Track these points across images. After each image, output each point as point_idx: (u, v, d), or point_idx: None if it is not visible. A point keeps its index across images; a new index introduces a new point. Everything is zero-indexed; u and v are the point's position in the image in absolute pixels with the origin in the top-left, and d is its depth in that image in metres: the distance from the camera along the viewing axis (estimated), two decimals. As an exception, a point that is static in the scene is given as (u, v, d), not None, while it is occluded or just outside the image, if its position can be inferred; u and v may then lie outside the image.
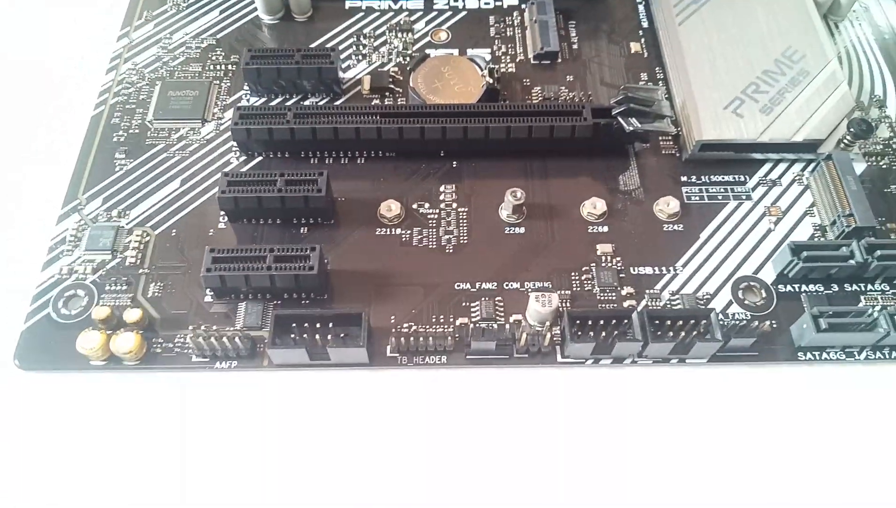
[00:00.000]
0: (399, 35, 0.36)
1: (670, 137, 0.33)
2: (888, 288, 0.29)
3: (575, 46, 0.36)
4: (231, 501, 0.25)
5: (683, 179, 0.32)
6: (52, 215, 0.31)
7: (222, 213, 0.30)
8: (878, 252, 0.28)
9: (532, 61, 0.36)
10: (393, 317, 0.28)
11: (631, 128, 0.30)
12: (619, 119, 0.31)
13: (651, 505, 0.25)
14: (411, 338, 0.27)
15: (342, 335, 0.26)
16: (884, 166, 0.32)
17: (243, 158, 0.32)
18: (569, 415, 0.26)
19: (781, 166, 0.32)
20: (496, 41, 0.36)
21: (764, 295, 0.29)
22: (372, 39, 0.36)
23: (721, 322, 0.27)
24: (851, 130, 0.31)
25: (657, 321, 0.26)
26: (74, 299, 0.28)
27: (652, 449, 0.26)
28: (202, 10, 0.37)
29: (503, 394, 0.27)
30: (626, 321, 0.26)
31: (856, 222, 0.29)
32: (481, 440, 0.26)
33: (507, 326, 0.27)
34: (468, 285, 0.29)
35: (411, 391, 0.27)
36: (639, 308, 0.28)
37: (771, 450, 0.26)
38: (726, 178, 0.32)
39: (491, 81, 0.33)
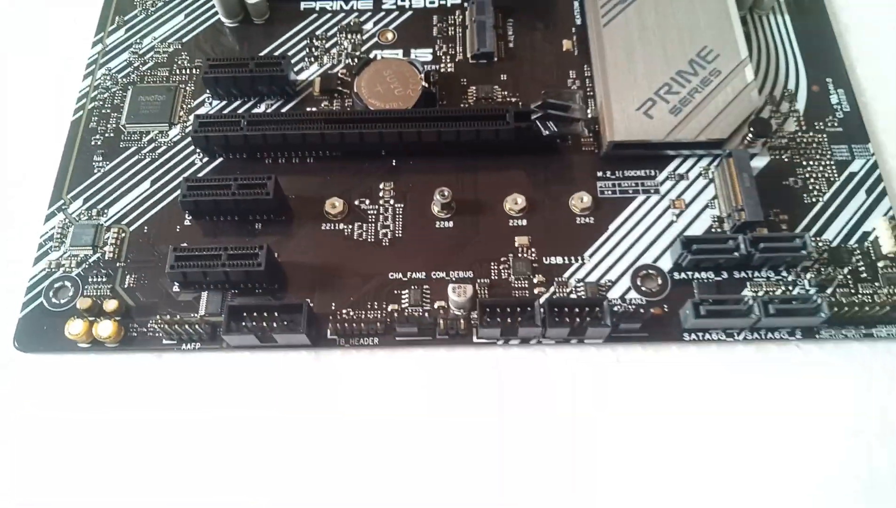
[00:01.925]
0: (349, 36, 0.40)
1: (591, 136, 0.36)
2: (773, 275, 0.33)
3: (511, 45, 0.39)
4: (196, 458, 0.30)
5: (599, 174, 0.35)
6: (40, 213, 0.35)
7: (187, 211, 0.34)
8: (762, 245, 0.32)
9: (470, 61, 0.39)
10: (333, 304, 0.32)
11: (547, 132, 0.34)
12: (538, 123, 0.34)
13: (541, 467, 0.30)
14: (348, 323, 0.31)
15: (286, 322, 0.31)
16: (786, 160, 0.36)
17: (206, 159, 0.36)
18: (481, 389, 0.31)
19: (690, 161, 0.35)
20: (438, 41, 0.39)
21: (660, 282, 0.33)
22: (324, 41, 0.39)
23: (618, 308, 0.32)
24: (752, 129, 0.34)
25: (556, 309, 0.30)
26: (62, 290, 0.33)
27: (546, 419, 0.30)
28: (169, 15, 0.41)
29: (426, 371, 0.31)
30: (529, 308, 0.31)
31: (745, 216, 0.33)
32: (407, 410, 0.31)
33: (430, 312, 0.32)
34: (400, 275, 0.33)
35: (348, 368, 0.32)
36: (544, 297, 0.32)
37: (654, 421, 0.30)
38: (638, 173, 0.35)
39: (427, 84, 0.36)
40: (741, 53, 0.36)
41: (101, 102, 0.38)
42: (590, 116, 0.37)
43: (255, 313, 0.31)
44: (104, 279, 0.33)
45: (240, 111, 0.37)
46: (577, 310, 0.31)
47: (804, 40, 0.39)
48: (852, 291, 0.32)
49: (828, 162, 0.35)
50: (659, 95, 0.35)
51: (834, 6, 0.41)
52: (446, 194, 0.34)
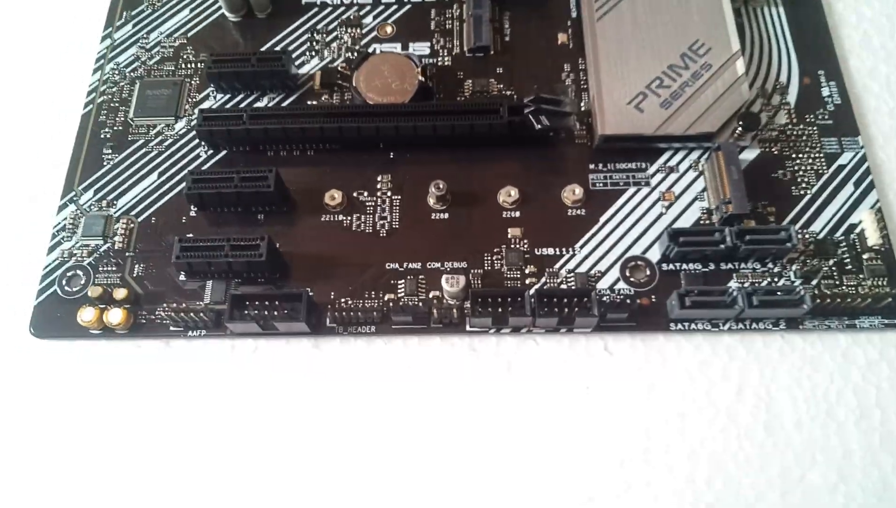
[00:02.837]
0: (349, 30, 0.40)
1: (583, 128, 0.37)
2: (759, 266, 0.33)
3: (507, 39, 0.40)
4: (201, 440, 0.31)
5: (591, 166, 0.36)
6: (52, 204, 0.36)
7: (192, 203, 0.36)
8: (747, 237, 0.32)
9: (467, 54, 0.39)
10: (333, 293, 0.34)
11: (539, 126, 0.35)
12: (530, 117, 0.35)
13: (532, 452, 0.31)
14: (347, 311, 0.33)
15: (287, 310, 0.32)
16: (775, 153, 0.36)
17: (210, 151, 0.37)
18: (473, 376, 0.32)
19: (681, 154, 0.36)
20: (436, 35, 0.40)
21: (648, 273, 0.34)
22: (324, 35, 0.40)
23: (606, 298, 0.33)
24: (741, 123, 0.35)
25: (545, 299, 0.32)
26: (75, 278, 0.34)
27: (536, 405, 0.32)
28: (174, 10, 0.42)
29: (421, 357, 0.33)
30: (519, 298, 0.32)
31: (732, 209, 0.33)
32: (402, 395, 0.32)
33: (425, 302, 0.33)
34: (397, 265, 0.34)
35: (346, 355, 0.33)
36: (534, 288, 0.33)
37: (641, 407, 0.32)
38: (630, 165, 0.36)
39: (423, 79, 0.37)
40: (732, 47, 0.37)
41: (109, 96, 0.39)
42: (583, 108, 0.37)
43: (257, 302, 0.32)
44: (114, 268, 0.34)
45: (243, 105, 0.38)
46: (566, 300, 0.32)
47: (798, 33, 0.40)
48: (837, 282, 0.33)
49: (817, 155, 0.36)
50: (650, 89, 0.36)
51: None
52: (441, 186, 0.35)
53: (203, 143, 0.37)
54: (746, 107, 0.36)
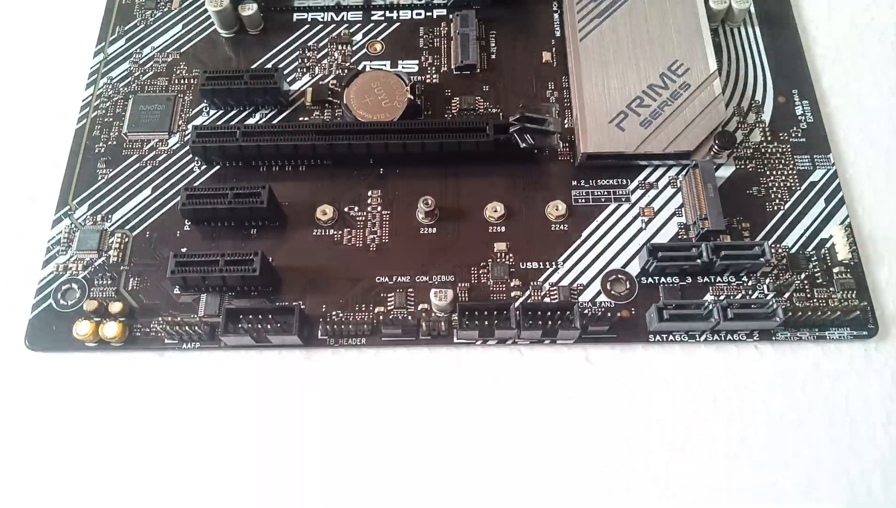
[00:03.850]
0: (339, 47, 0.41)
1: (567, 146, 0.38)
2: (734, 280, 0.35)
3: (493, 57, 0.41)
4: (195, 451, 0.32)
5: (574, 183, 0.37)
6: (47, 218, 0.37)
7: (186, 218, 0.37)
8: (723, 253, 0.34)
9: (454, 72, 0.41)
10: (324, 306, 0.35)
11: (524, 144, 0.36)
12: (515, 136, 0.36)
13: (519, 459, 0.32)
14: (338, 324, 0.34)
15: (280, 324, 0.33)
16: (750, 170, 0.38)
17: (204, 166, 0.38)
18: (461, 386, 0.33)
19: (660, 170, 0.38)
20: (424, 52, 0.41)
21: (628, 286, 0.35)
22: (315, 52, 0.41)
23: (587, 311, 0.34)
24: (717, 141, 0.36)
25: (530, 312, 0.33)
26: (70, 292, 0.35)
27: (521, 414, 0.33)
28: (167, 25, 0.42)
29: (410, 368, 0.34)
30: (505, 311, 0.33)
31: (709, 225, 0.35)
32: (392, 406, 0.33)
33: (414, 314, 0.34)
34: (386, 279, 0.35)
35: (337, 366, 0.34)
36: (519, 301, 0.34)
37: (622, 416, 0.33)
38: (611, 181, 0.37)
39: (412, 97, 0.38)
40: (710, 67, 0.38)
41: (103, 111, 0.40)
42: (566, 126, 0.39)
43: (250, 316, 0.33)
44: (109, 282, 0.35)
45: (235, 121, 0.39)
46: (549, 313, 0.33)
47: (773, 52, 0.41)
48: (808, 295, 0.34)
49: (790, 172, 0.38)
50: (631, 108, 0.37)
51: (803, 19, 0.43)
52: (430, 202, 0.36)
53: (197, 158, 0.38)
54: (723, 126, 0.37)
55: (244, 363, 0.34)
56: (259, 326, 0.33)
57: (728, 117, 0.38)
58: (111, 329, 0.33)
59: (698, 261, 0.34)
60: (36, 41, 0.43)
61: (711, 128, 0.37)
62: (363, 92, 0.39)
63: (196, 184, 0.37)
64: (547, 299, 0.34)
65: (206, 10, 0.42)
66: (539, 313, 0.33)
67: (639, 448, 0.32)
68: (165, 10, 0.43)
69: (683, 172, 0.37)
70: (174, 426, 0.33)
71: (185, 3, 0.43)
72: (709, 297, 0.34)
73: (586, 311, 0.34)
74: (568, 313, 0.33)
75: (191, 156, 0.38)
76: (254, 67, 0.41)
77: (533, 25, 0.42)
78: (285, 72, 0.41)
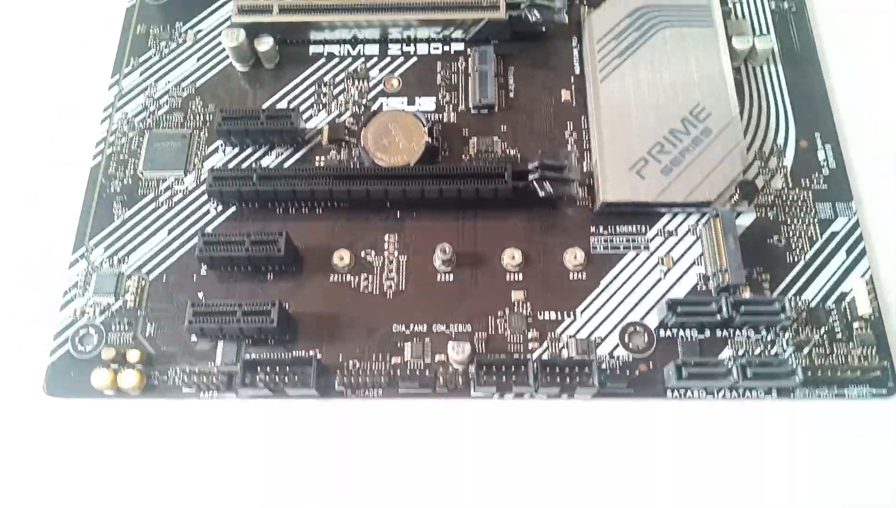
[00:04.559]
0: (356, 83, 0.41)
1: (586, 189, 0.38)
2: (753, 334, 0.35)
3: (511, 94, 0.40)
4: (211, 501, 0.33)
5: (593, 229, 0.37)
6: (64, 259, 0.37)
7: (203, 262, 0.37)
8: (743, 308, 0.34)
9: (472, 111, 0.40)
10: (340, 355, 0.35)
11: (543, 193, 0.35)
12: (534, 184, 0.36)
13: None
14: (354, 375, 0.34)
15: (297, 377, 0.33)
16: (771, 218, 0.37)
17: (220, 207, 0.38)
18: (477, 439, 0.33)
19: (680, 217, 0.37)
20: (441, 89, 0.41)
21: (646, 339, 0.35)
22: (332, 88, 0.41)
23: (605, 365, 0.34)
24: (738, 190, 0.36)
25: (547, 368, 0.33)
26: (87, 337, 0.35)
27: (537, 469, 0.33)
28: (182, 58, 0.42)
29: (426, 421, 0.34)
30: (523, 367, 0.33)
31: (729, 279, 0.34)
32: (408, 458, 0.33)
33: (431, 366, 0.34)
34: (403, 328, 0.35)
35: (354, 418, 0.34)
36: (537, 352, 0.34)
37: (637, 474, 0.33)
38: (630, 228, 0.37)
39: (430, 139, 0.38)
40: (732, 112, 0.38)
41: (119, 148, 0.39)
42: (585, 169, 0.38)
43: (268, 368, 0.33)
44: (126, 328, 0.35)
45: (251, 159, 0.39)
46: (567, 369, 0.33)
47: (796, 92, 0.40)
48: (827, 351, 0.34)
49: (811, 220, 0.37)
50: (651, 155, 0.37)
51: (826, 58, 0.42)
52: (447, 250, 0.36)
53: (213, 200, 0.38)
54: (744, 172, 0.37)
55: (261, 413, 0.34)
56: (276, 378, 0.33)
57: (749, 163, 0.38)
58: (129, 379, 0.33)
59: (717, 317, 0.34)
60: (51, 73, 0.43)
61: (733, 176, 0.36)
62: (380, 133, 0.38)
63: (213, 227, 0.37)
64: (565, 351, 0.34)
65: (220, 43, 0.41)
66: (557, 369, 0.33)
67: (656, 503, 0.32)
68: (180, 41, 0.42)
69: (704, 220, 0.37)
70: (191, 473, 0.33)
71: (200, 35, 0.42)
72: (727, 352, 0.34)
73: (603, 365, 0.34)
74: (586, 369, 0.33)
75: (207, 196, 0.38)
76: (270, 103, 0.40)
77: (552, 60, 0.42)
78: (301, 108, 0.40)
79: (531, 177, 0.36)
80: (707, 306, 0.34)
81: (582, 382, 0.33)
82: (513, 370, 0.33)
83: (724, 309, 0.33)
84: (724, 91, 0.38)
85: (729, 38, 0.40)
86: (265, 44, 0.40)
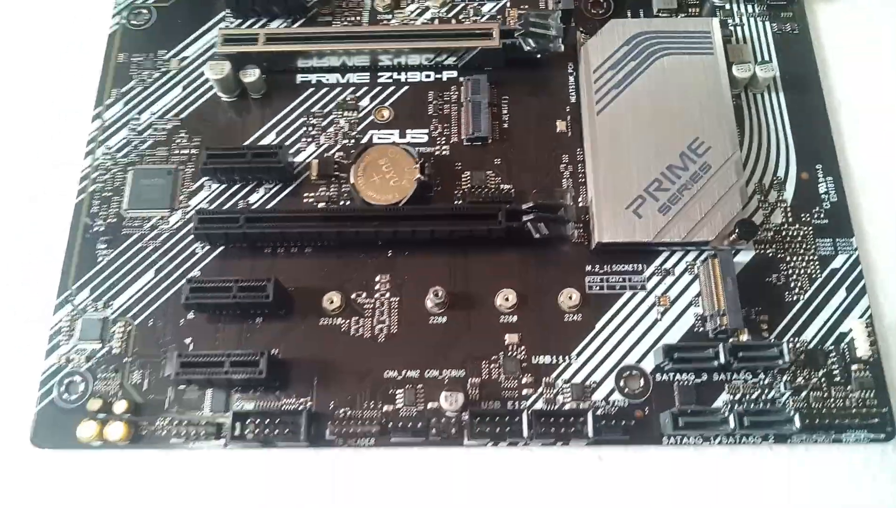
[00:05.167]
0: (345, 114, 0.40)
1: (581, 225, 0.37)
2: (750, 377, 0.34)
3: (506, 125, 0.39)
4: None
5: (588, 268, 0.36)
6: (49, 302, 0.36)
7: (190, 305, 0.36)
8: (740, 354, 0.33)
9: (465, 143, 0.39)
10: (332, 402, 0.34)
11: (538, 235, 0.35)
12: (529, 225, 0.35)
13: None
14: (346, 424, 0.33)
15: (287, 430, 0.32)
16: (770, 255, 0.36)
17: (207, 246, 0.37)
18: (471, 488, 0.33)
19: (677, 254, 0.36)
20: (434, 120, 0.40)
21: (642, 384, 0.34)
22: (321, 119, 0.40)
23: (601, 410, 0.33)
24: (737, 230, 0.35)
25: (542, 419, 0.32)
26: (73, 385, 0.35)
27: (532, 520, 0.33)
28: (166, 87, 0.41)
29: (419, 469, 0.33)
30: (516, 418, 0.32)
31: (727, 323, 0.34)
32: (400, 506, 0.33)
33: (423, 413, 0.33)
34: (395, 373, 0.34)
35: (346, 467, 0.33)
36: (530, 401, 0.34)
37: (631, 517, 0.33)
38: (626, 267, 0.36)
39: (422, 176, 0.37)
40: (732, 147, 0.37)
41: (102, 184, 0.38)
42: (581, 204, 0.37)
43: (258, 420, 0.32)
44: (113, 375, 0.35)
45: (240, 195, 0.38)
46: (562, 419, 0.32)
47: (797, 120, 0.39)
48: (826, 394, 0.34)
49: (811, 257, 0.36)
50: (648, 193, 0.36)
51: (830, 82, 0.41)
52: (440, 294, 0.35)
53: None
54: (743, 207, 0.36)
55: (251, 463, 0.34)
56: (266, 431, 0.32)
57: (749, 197, 0.37)
58: (116, 431, 0.33)
59: (715, 362, 0.33)
60: (32, 105, 0.41)
61: (732, 215, 0.35)
62: (371, 169, 0.37)
63: (200, 269, 0.36)
64: (560, 397, 0.34)
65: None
66: (552, 419, 0.32)
67: (650, 552, 0.32)
68: (163, 70, 0.41)
69: (701, 258, 0.36)
70: (182, 526, 0.33)
71: (184, 63, 0.41)
72: (724, 396, 0.34)
73: (599, 412, 0.33)
74: (581, 419, 0.32)
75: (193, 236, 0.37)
76: (257, 135, 0.39)
77: (547, 88, 0.40)
78: (290, 140, 0.39)
79: (525, 218, 0.35)
80: (704, 351, 0.33)
81: (577, 432, 0.32)
82: (507, 420, 0.32)
83: (722, 355, 0.33)
84: (724, 124, 0.37)
85: (729, 66, 0.39)
86: (251, 75, 0.39)
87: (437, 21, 0.42)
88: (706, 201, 0.36)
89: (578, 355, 0.35)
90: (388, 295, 0.36)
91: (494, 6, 0.42)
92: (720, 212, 0.35)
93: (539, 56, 0.40)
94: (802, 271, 0.36)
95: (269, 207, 0.38)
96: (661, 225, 0.35)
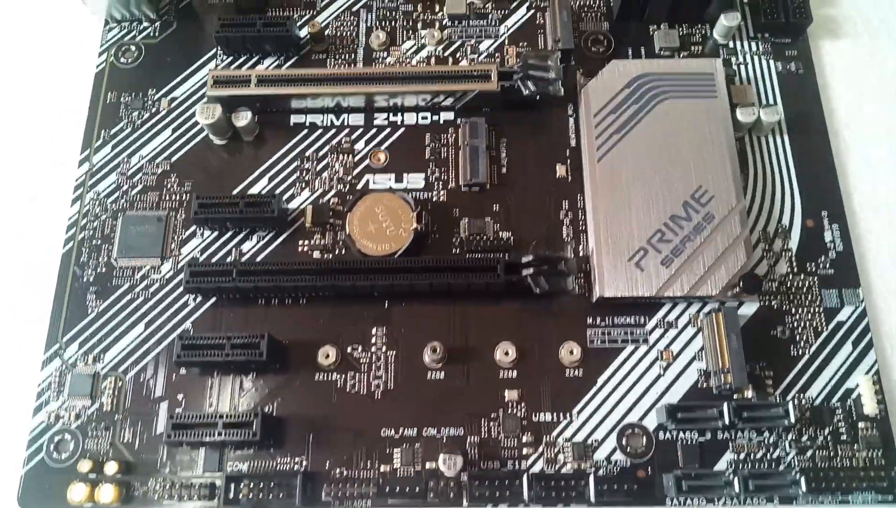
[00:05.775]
0: (340, 157, 0.39)
1: (581, 275, 0.36)
2: (755, 435, 0.33)
3: (504, 170, 0.38)
4: None
5: (589, 320, 0.35)
6: (37, 356, 0.35)
7: (182, 360, 0.35)
8: (745, 414, 0.32)
9: (462, 189, 0.38)
10: (328, 462, 0.33)
11: (538, 289, 0.34)
12: (529, 280, 0.34)
13: None
14: (342, 485, 0.32)
15: (282, 493, 0.32)
16: (775, 307, 0.36)
17: (199, 298, 0.36)
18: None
19: (680, 306, 0.36)
20: (430, 164, 0.39)
21: (644, 442, 0.33)
22: (315, 163, 0.39)
23: (602, 471, 0.33)
24: (742, 284, 0.34)
25: (542, 482, 0.31)
26: (63, 443, 0.34)
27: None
28: (155, 129, 0.39)
29: (417, 531, 0.33)
30: (517, 480, 0.32)
31: (731, 381, 0.33)
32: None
33: (421, 473, 0.33)
34: (392, 432, 0.34)
35: (342, 529, 0.33)
36: (530, 461, 0.33)
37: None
38: (628, 320, 0.35)
39: (418, 226, 0.36)
40: (734, 199, 0.36)
41: (91, 232, 0.37)
42: (581, 253, 0.37)
43: (251, 484, 0.32)
44: (104, 433, 0.34)
45: (232, 243, 0.37)
46: (562, 482, 0.32)
47: (802, 164, 0.39)
48: (832, 453, 0.33)
49: (816, 309, 0.36)
50: (651, 244, 0.35)
51: (835, 124, 0.40)
52: (438, 350, 0.34)
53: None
54: (743, 269, 0.35)
55: (246, 524, 0.33)
56: (261, 494, 0.32)
57: (753, 246, 0.36)
58: (107, 494, 0.32)
59: (719, 422, 0.32)
60: (19, 149, 0.40)
61: (736, 269, 0.34)
62: (366, 218, 0.36)
63: (192, 321, 0.36)
64: (561, 456, 0.33)
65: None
66: (552, 482, 0.32)
67: None
68: (153, 111, 0.40)
69: (705, 311, 0.35)
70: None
71: (174, 104, 0.40)
72: (729, 455, 0.33)
73: (601, 472, 0.33)
74: (582, 481, 0.32)
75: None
76: (250, 180, 0.38)
77: (547, 130, 0.39)
78: (284, 185, 0.38)
79: (525, 272, 0.34)
80: (708, 411, 0.33)
81: (578, 496, 0.31)
82: (506, 482, 0.32)
83: (726, 416, 0.32)
84: (728, 172, 0.36)
85: (733, 108, 0.38)
86: (243, 119, 0.38)
87: (433, 60, 0.41)
88: (710, 254, 0.35)
89: (580, 412, 0.34)
90: (384, 348, 0.35)
91: (492, 44, 0.41)
92: (724, 265, 0.35)
93: (538, 98, 0.39)
94: (808, 324, 0.35)
95: (262, 255, 0.37)
96: (663, 279, 0.34)
